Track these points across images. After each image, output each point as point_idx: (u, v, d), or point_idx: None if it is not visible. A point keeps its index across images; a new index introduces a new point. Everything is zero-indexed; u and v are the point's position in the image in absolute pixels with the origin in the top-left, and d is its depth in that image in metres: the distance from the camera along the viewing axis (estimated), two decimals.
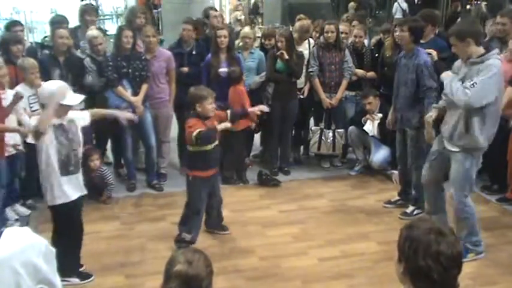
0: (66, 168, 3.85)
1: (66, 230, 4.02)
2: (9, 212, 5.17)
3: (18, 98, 4.65)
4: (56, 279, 2.06)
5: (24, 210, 5.37)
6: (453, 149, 4.30)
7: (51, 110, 3.71)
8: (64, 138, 3.82)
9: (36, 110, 5.03)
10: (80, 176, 4.02)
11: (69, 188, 3.91)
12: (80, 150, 4.00)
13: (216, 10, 6.94)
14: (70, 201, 3.92)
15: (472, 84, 3.95)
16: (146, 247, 4.69)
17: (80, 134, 3.99)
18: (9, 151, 4.93)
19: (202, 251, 2.15)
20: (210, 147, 4.45)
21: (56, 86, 3.87)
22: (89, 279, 4.18)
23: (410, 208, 5.28)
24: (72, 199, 3.93)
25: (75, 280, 4.12)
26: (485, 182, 5.88)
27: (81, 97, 4.02)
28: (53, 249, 2.05)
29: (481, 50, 4.08)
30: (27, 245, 1.94)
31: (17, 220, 5.11)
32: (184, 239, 4.51)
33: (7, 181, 4.95)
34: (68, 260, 3.96)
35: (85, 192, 4.11)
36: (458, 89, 4.03)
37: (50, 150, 3.77)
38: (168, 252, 4.55)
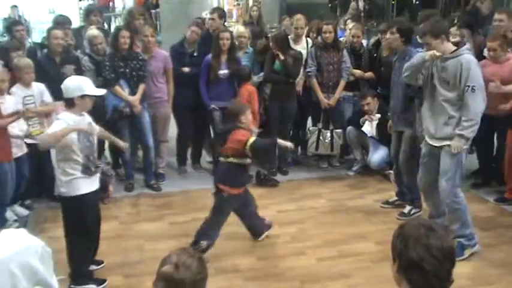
0: (87, 169, 3.83)
1: (75, 228, 3.95)
2: (8, 213, 5.16)
3: (19, 116, 4.74)
4: (53, 280, 2.05)
5: (22, 211, 5.37)
6: (439, 144, 4.37)
7: (70, 130, 3.68)
8: (86, 140, 3.83)
9: None
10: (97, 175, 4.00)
11: (83, 185, 3.85)
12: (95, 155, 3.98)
13: (212, 12, 6.90)
14: (78, 195, 3.84)
15: (472, 88, 4.10)
16: (144, 247, 4.69)
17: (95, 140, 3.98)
18: (15, 153, 4.93)
19: (200, 255, 2.10)
20: (249, 161, 4.39)
21: (80, 79, 3.93)
22: (105, 284, 4.11)
23: (408, 208, 5.29)
24: (81, 193, 3.85)
25: (92, 287, 4.06)
26: (476, 180, 5.93)
27: (103, 90, 4.12)
28: (50, 250, 2.04)
29: (452, 46, 4.27)
30: (23, 247, 1.93)
31: (15, 221, 5.11)
32: (201, 246, 4.37)
33: (15, 183, 4.94)
34: (82, 264, 4.03)
35: (95, 187, 3.99)
36: (477, 110, 4.15)
37: (72, 147, 3.74)
38: (166, 252, 4.55)
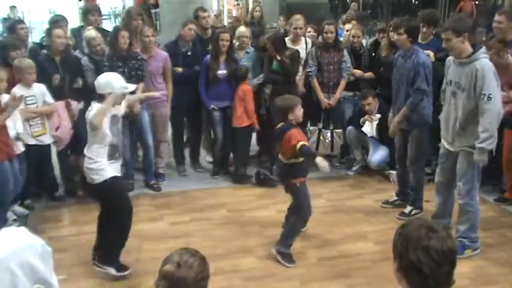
0: (112, 155, 4.06)
1: (111, 210, 4.13)
2: (8, 213, 5.15)
3: (16, 99, 4.63)
4: (53, 279, 2.04)
5: (22, 211, 5.35)
6: (455, 150, 4.36)
7: (107, 104, 3.94)
8: (115, 128, 4.09)
9: None
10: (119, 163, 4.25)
11: (109, 169, 4.06)
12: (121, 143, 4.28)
13: (205, 10, 6.91)
14: (109, 177, 4.03)
15: (488, 97, 4.01)
16: (143, 247, 4.68)
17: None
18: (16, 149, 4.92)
19: (202, 255, 2.11)
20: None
21: (111, 76, 4.09)
22: (125, 272, 4.17)
23: (408, 208, 5.29)
24: (110, 176, 4.04)
25: (111, 270, 4.14)
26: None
27: (133, 85, 4.29)
28: (49, 249, 2.04)
29: (470, 48, 4.16)
30: (23, 246, 1.93)
31: (15, 220, 5.09)
32: (286, 251, 4.48)
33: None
34: (110, 247, 4.15)
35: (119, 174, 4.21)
36: (493, 120, 4.07)
37: (104, 135, 3.98)
38: (165, 252, 4.55)
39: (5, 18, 13.27)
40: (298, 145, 4.22)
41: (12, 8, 14.22)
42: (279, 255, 4.45)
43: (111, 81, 4.01)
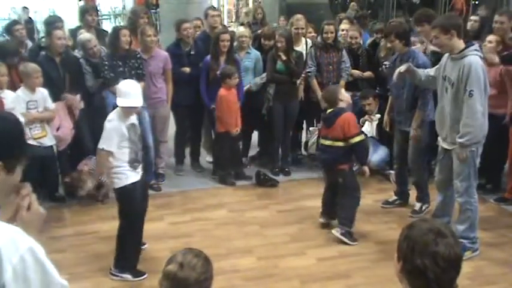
0: (133, 162, 4.11)
1: (128, 216, 4.19)
2: None
3: None
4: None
5: None
6: (450, 148, 4.37)
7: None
8: (134, 135, 4.13)
9: None
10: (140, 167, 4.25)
11: (130, 174, 4.11)
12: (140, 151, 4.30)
13: (214, 9, 6.93)
14: (128, 184, 4.08)
15: (469, 93, 4.05)
16: (144, 247, 4.68)
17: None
18: None
19: (206, 256, 2.12)
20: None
21: (131, 87, 4.13)
22: (142, 277, 4.15)
23: (418, 205, 5.30)
24: (130, 182, 4.09)
25: (128, 277, 4.15)
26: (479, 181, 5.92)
27: (140, 102, 4.26)
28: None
29: (462, 44, 4.18)
30: None
31: None
32: (350, 229, 4.76)
33: None
34: (128, 255, 4.16)
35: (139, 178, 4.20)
36: (472, 117, 4.10)
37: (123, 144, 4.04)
38: (166, 252, 4.55)
39: (15, 20, 13.32)
40: (357, 139, 4.60)
41: (24, 8, 14.23)
42: (343, 236, 4.68)
43: (129, 92, 4.04)
